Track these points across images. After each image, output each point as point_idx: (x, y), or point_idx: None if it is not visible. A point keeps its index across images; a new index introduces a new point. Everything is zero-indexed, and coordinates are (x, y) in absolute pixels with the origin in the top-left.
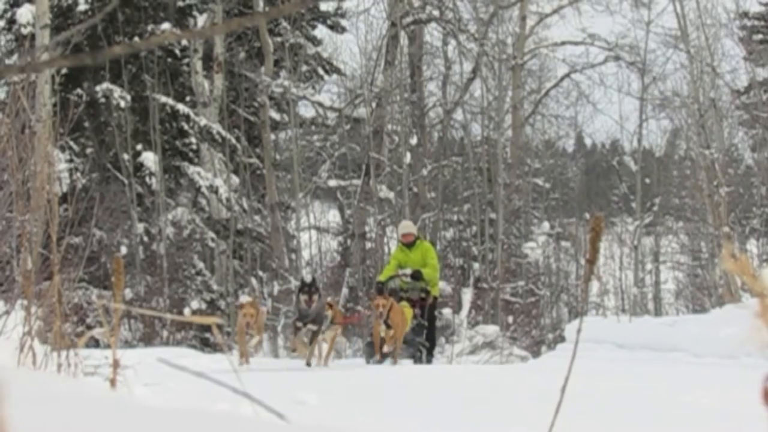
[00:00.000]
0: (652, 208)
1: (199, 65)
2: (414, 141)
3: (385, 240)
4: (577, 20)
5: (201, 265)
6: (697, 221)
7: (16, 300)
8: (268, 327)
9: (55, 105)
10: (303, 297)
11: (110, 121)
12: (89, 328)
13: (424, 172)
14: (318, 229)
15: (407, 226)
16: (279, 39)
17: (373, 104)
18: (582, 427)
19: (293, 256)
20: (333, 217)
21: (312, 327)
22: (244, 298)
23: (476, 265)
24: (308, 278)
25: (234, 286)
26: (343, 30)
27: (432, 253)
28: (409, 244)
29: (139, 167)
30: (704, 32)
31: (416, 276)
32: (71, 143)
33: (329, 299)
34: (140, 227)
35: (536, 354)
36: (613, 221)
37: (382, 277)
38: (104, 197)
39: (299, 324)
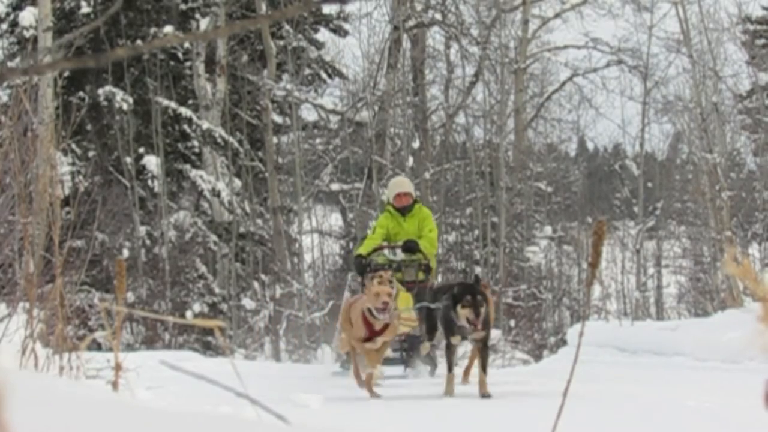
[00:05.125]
0: (654, 212)
1: (201, 68)
2: (416, 144)
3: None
4: (580, 24)
5: (203, 268)
6: (699, 225)
7: (18, 303)
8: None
9: (57, 108)
10: (465, 311)
11: (112, 124)
12: (91, 331)
13: (427, 175)
14: (320, 232)
15: (402, 184)
16: (281, 42)
17: (376, 108)
18: None
19: (295, 259)
20: (335, 220)
21: (478, 335)
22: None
23: (478, 269)
24: (467, 277)
25: (236, 290)
26: (345, 33)
27: (431, 222)
28: (403, 209)
29: (141, 170)
30: (707, 36)
31: (411, 247)
32: (73, 146)
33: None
34: (142, 230)
35: (538, 358)
36: (616, 225)
37: (363, 250)
38: (106, 200)
39: (454, 343)
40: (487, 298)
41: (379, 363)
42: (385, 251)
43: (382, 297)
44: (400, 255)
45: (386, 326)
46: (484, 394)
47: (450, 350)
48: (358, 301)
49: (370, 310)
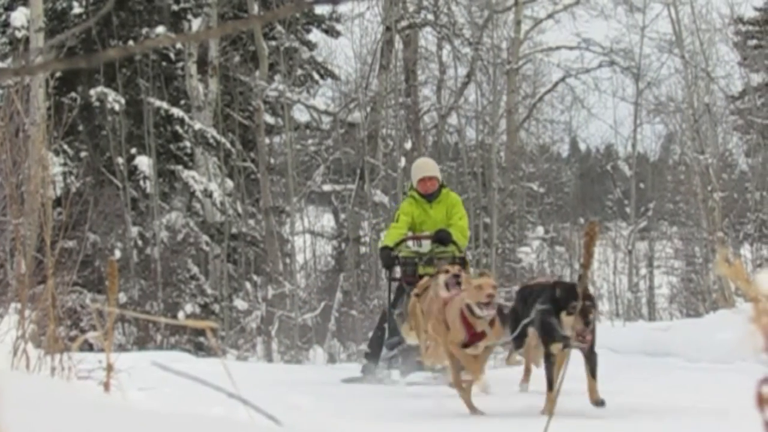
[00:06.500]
0: (646, 212)
1: (193, 69)
2: (408, 145)
3: (380, 244)
4: (572, 25)
5: (195, 269)
6: (691, 226)
7: (9, 303)
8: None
9: (49, 108)
10: (571, 320)
11: (104, 124)
12: (83, 331)
13: None
14: (312, 233)
15: (426, 167)
16: (274, 43)
17: (368, 108)
18: None
19: (287, 260)
20: (327, 221)
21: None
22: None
23: (471, 270)
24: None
25: (228, 290)
26: (338, 34)
27: (461, 208)
28: (429, 194)
29: (133, 171)
30: (699, 37)
31: (443, 238)
32: (65, 147)
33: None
34: (134, 231)
35: None
36: (608, 226)
37: (388, 241)
38: (98, 201)
39: (554, 350)
40: (594, 301)
41: (481, 372)
42: (410, 243)
43: (486, 289)
44: (426, 246)
45: (483, 334)
46: (597, 401)
47: (550, 361)
48: (453, 300)
49: (470, 309)
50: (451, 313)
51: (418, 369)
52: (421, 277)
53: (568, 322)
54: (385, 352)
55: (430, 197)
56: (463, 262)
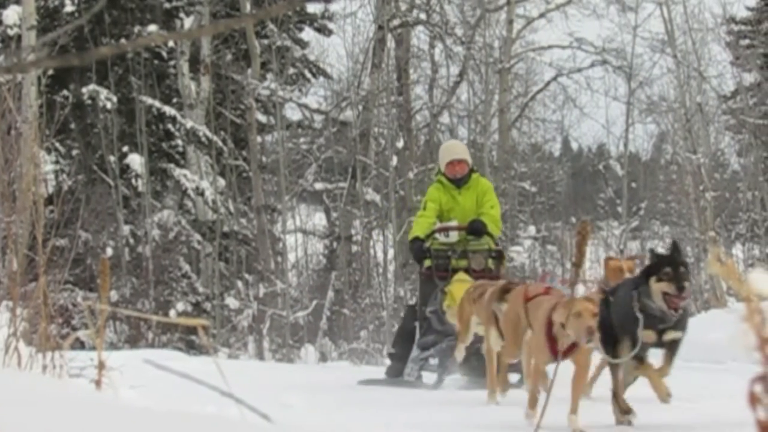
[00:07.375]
0: (638, 212)
1: (185, 67)
2: (400, 144)
3: (371, 243)
4: (565, 24)
5: (187, 267)
6: (683, 226)
7: (1, 301)
8: None
9: (41, 106)
10: (661, 285)
11: (96, 122)
12: (75, 329)
13: (411, 175)
14: (304, 231)
15: (454, 149)
16: (266, 41)
17: (360, 107)
18: None
19: (279, 258)
20: (319, 220)
21: (674, 335)
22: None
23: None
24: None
25: (220, 289)
26: (330, 33)
27: (492, 196)
28: (458, 179)
29: (125, 169)
30: (691, 37)
31: (478, 229)
32: (57, 145)
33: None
34: (126, 229)
35: None
36: (599, 225)
37: (419, 232)
38: (90, 199)
39: (646, 338)
40: (690, 271)
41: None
42: (437, 234)
43: (586, 319)
44: (453, 236)
45: (575, 345)
46: (664, 398)
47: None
48: (541, 299)
49: (560, 323)
50: (537, 317)
51: (459, 372)
52: (454, 271)
53: (657, 289)
54: (418, 352)
55: (459, 182)
56: (499, 256)
